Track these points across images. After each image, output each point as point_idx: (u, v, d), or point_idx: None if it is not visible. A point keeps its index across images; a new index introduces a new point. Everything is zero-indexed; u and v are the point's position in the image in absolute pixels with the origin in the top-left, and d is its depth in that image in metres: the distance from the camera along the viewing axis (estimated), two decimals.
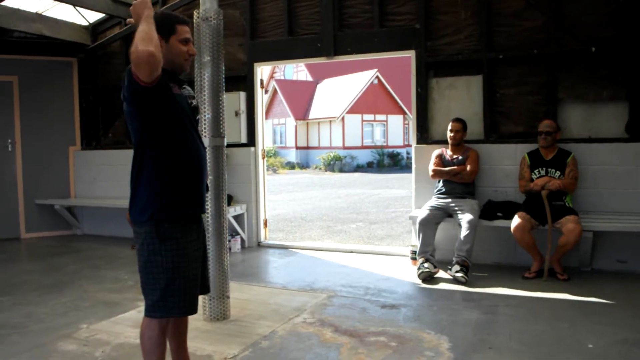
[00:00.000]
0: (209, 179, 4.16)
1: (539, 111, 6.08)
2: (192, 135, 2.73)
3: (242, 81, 7.39)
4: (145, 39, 2.34)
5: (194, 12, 4.35)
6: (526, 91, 6.19)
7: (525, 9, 6.17)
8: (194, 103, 2.86)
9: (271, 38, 7.32)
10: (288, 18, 7.16)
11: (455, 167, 5.91)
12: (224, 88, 4.37)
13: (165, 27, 2.63)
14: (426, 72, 6.51)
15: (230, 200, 7.13)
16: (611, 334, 3.97)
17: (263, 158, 7.51)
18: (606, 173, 5.81)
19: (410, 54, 6.59)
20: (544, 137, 5.65)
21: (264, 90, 7.70)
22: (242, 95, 7.32)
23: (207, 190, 2.95)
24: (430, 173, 6.08)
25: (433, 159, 6.11)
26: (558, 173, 5.59)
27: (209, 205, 4.24)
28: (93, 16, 8.27)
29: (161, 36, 2.57)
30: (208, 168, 4.02)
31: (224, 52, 4.59)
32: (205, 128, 4.24)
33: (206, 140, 4.21)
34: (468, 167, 5.89)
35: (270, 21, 7.34)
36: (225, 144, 4.40)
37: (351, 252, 7.01)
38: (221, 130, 4.33)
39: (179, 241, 2.62)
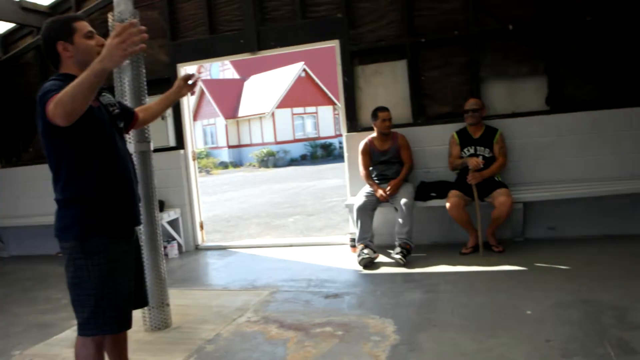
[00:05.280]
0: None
1: (463, 91, 6.21)
2: (116, 147, 2.60)
3: (166, 83, 7.16)
4: (68, 98, 2.08)
5: (109, 15, 4.19)
6: (450, 72, 6.31)
7: None
8: (116, 111, 2.70)
9: (193, 37, 7.17)
10: (209, 16, 7.03)
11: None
12: (146, 92, 4.23)
13: (63, 31, 2.48)
14: (351, 61, 6.53)
15: (163, 205, 6.97)
16: (547, 299, 4.12)
17: (194, 160, 7.37)
18: (531, 145, 6.00)
19: (335, 44, 6.59)
20: (471, 115, 5.78)
21: None
22: None
23: (140, 200, 2.83)
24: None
25: (360, 157, 6.09)
26: (487, 150, 5.73)
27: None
28: (2, 27, 7.89)
29: (64, 41, 2.45)
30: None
31: (144, 55, 4.44)
32: (130, 134, 4.11)
33: (131, 147, 4.07)
34: (404, 160, 5.98)
35: (190, 20, 7.19)
36: (152, 149, 4.28)
37: (290, 245, 6.99)
38: (146, 135, 4.20)
39: (107, 255, 2.49)
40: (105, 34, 2.52)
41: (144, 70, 4.25)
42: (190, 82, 3.10)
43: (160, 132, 6.97)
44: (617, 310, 3.77)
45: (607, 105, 5.85)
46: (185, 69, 7.33)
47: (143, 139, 4.17)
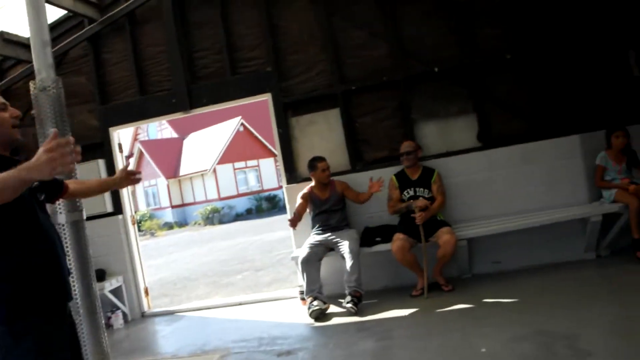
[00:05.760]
0: (70, 259, 3.85)
1: (397, 134, 6.32)
2: (38, 221, 2.44)
3: (99, 148, 7.04)
4: None
5: (30, 83, 4.05)
6: (382, 117, 6.42)
7: (369, 40, 6.46)
8: (35, 184, 2.54)
9: (123, 100, 7.05)
10: (138, 77, 6.96)
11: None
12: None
13: None
14: (285, 113, 6.56)
15: (104, 274, 6.70)
16: (500, 334, 4.13)
17: (133, 224, 7.16)
18: (468, 182, 6.11)
19: (267, 97, 6.63)
20: (406, 157, 5.86)
21: (124, 154, 7.37)
22: (101, 162, 6.97)
23: (70, 273, 2.66)
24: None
25: (300, 200, 6.01)
26: (426, 191, 5.79)
27: (76, 286, 3.92)
28: None
29: None
30: (67, 247, 3.73)
31: (75, 121, 4.30)
32: (59, 204, 3.94)
33: (62, 217, 3.90)
34: (372, 188, 5.83)
35: (119, 83, 7.09)
36: (85, 217, 4.11)
37: (240, 304, 6.79)
38: (78, 204, 4.03)
39: (38, 338, 2.33)
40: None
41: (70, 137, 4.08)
42: (133, 177, 3.03)
43: (96, 198, 6.72)
44: (569, 339, 3.81)
45: (536, 137, 6.06)
46: (119, 132, 7.19)
47: (74, 208, 4.00)
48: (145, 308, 7.08)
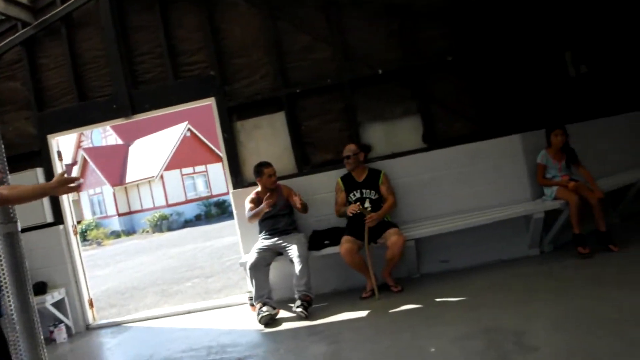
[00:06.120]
0: (4, 271, 3.67)
1: (344, 136, 6.32)
2: None
3: (37, 156, 6.78)
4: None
5: None
6: (328, 119, 6.42)
7: (313, 43, 6.45)
8: None
9: (62, 106, 6.81)
10: (76, 83, 6.73)
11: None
12: (7, 169, 3.91)
13: None
14: (229, 117, 6.47)
15: (45, 287, 6.46)
16: (449, 332, 4.16)
17: (75, 234, 6.91)
18: (414, 183, 6.15)
19: (211, 101, 6.52)
20: (347, 161, 5.87)
21: (64, 162, 7.13)
22: (39, 171, 6.71)
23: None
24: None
25: (249, 205, 5.93)
26: (373, 192, 5.80)
27: (11, 301, 3.74)
28: None
29: None
30: (1, 260, 3.56)
31: (10, 128, 4.11)
32: None
33: None
34: (298, 204, 5.82)
35: (57, 89, 6.85)
36: (21, 229, 3.93)
37: (189, 312, 6.65)
38: (12, 215, 3.84)
39: None
40: None
41: (1, 146, 3.90)
42: (71, 185, 2.92)
43: (35, 208, 6.49)
44: (517, 334, 3.87)
45: (479, 138, 6.16)
46: (58, 139, 6.95)
47: (8, 219, 3.82)
48: (90, 320, 6.85)
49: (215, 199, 33.83)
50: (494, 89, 6.22)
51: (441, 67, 6.30)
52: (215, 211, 32.36)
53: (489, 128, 6.19)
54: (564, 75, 6.82)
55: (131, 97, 6.59)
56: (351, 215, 5.61)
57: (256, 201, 5.92)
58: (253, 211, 5.78)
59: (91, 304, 6.93)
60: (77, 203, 35.68)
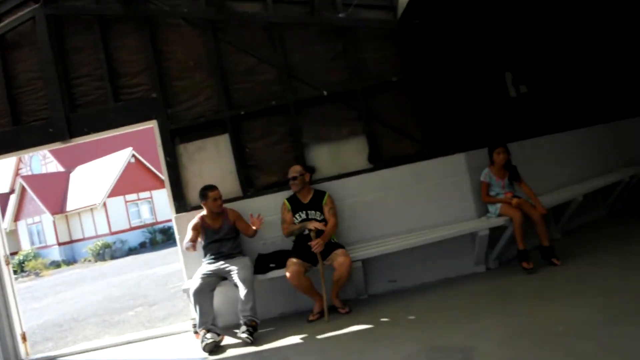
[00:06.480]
0: None
1: (289, 158, 6.26)
2: None
3: None
4: None
5: None
6: (273, 141, 6.35)
7: (257, 65, 6.40)
8: None
9: None
10: (10, 106, 6.45)
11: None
12: None
13: None
14: (172, 140, 6.32)
15: None
16: (397, 353, 4.13)
17: (7, 265, 6.55)
18: (361, 203, 6.13)
19: (153, 124, 6.37)
20: (292, 183, 5.82)
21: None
22: None
23: None
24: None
25: (190, 231, 5.74)
26: (318, 213, 5.75)
27: None
28: None
29: None
30: None
31: None
32: None
33: None
34: (254, 224, 5.73)
35: None
36: None
37: (130, 342, 6.37)
38: None
39: None
40: None
41: None
42: None
43: None
44: (464, 352, 3.86)
45: (424, 157, 6.21)
46: None
47: None
48: (23, 355, 6.46)
49: (161, 225, 33.06)
50: (438, 109, 6.29)
51: (386, 88, 6.34)
52: (161, 238, 31.64)
53: (433, 147, 6.24)
54: (505, 96, 6.98)
55: (69, 120, 6.36)
56: (310, 231, 5.53)
57: (199, 226, 5.77)
58: (189, 242, 5.57)
59: (24, 338, 6.55)
60: (14, 233, 34.36)
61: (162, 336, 6.38)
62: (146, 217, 34.30)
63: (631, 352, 3.36)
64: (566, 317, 4.18)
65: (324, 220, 5.72)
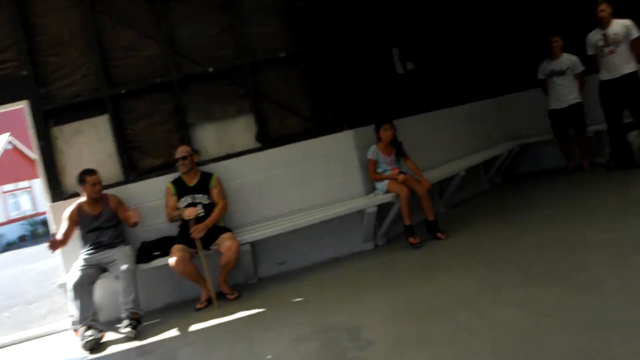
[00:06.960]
0: None
1: (174, 139, 6.02)
2: None
3: None
4: None
5: None
6: (157, 121, 6.07)
7: (138, 39, 6.06)
8: None
9: None
10: None
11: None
12: None
13: None
14: (45, 122, 5.86)
15: None
16: (285, 336, 4.10)
17: None
18: (249, 184, 6.01)
19: (24, 105, 5.89)
20: (182, 163, 5.56)
21: None
22: None
23: None
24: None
25: (64, 223, 5.42)
26: (205, 197, 5.56)
27: None
28: None
29: None
30: None
31: None
32: None
33: None
34: (131, 218, 5.40)
35: None
36: None
37: (2, 347, 5.83)
38: None
39: None
40: None
41: None
42: None
43: None
44: (352, 330, 3.89)
45: (313, 135, 6.16)
46: None
47: None
48: None
49: (42, 216, 30.88)
50: (326, 86, 6.24)
51: (274, 64, 6.20)
52: (42, 230, 29.50)
53: (322, 125, 6.20)
54: (392, 72, 7.01)
55: None
56: (188, 219, 5.33)
57: (76, 215, 5.42)
58: (61, 235, 5.29)
59: None
60: None
61: (40, 336, 5.92)
62: (26, 208, 32.22)
63: (510, 319, 3.49)
64: (450, 289, 4.31)
65: (211, 204, 5.54)
